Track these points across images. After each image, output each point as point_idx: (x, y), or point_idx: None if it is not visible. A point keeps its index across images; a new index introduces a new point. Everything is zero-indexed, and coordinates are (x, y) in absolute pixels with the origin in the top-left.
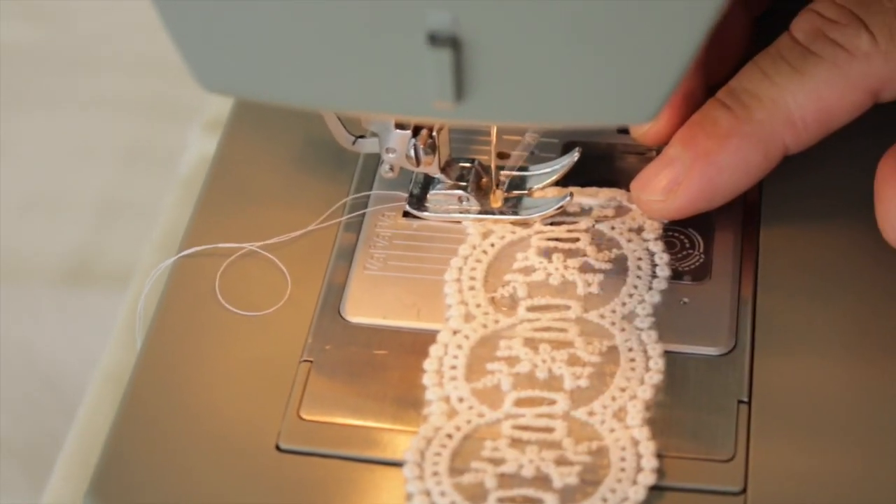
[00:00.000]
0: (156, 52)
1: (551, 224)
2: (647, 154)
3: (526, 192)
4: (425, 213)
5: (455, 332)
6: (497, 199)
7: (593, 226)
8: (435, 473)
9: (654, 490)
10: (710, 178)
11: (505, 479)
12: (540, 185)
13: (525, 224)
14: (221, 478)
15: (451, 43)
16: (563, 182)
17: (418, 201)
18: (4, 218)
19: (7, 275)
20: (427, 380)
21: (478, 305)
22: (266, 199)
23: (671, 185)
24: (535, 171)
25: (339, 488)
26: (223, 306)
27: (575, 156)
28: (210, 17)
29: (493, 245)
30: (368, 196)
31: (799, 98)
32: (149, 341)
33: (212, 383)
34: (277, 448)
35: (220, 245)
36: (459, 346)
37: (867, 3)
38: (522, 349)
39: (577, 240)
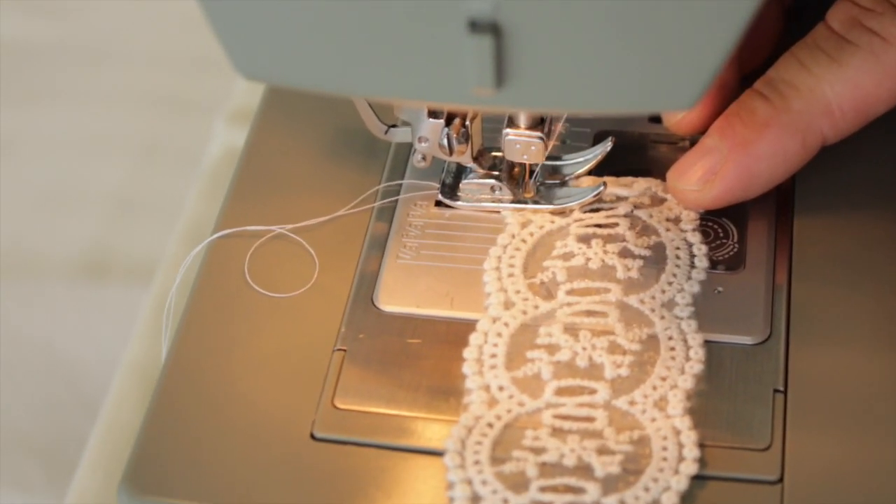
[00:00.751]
0: (173, 47)
1: (590, 211)
2: (678, 143)
3: (558, 181)
4: (458, 203)
5: (495, 321)
6: (529, 189)
7: (632, 211)
8: (476, 462)
9: (694, 479)
10: (748, 168)
11: (546, 469)
12: (573, 175)
13: (561, 213)
14: (256, 466)
15: (491, 30)
16: (596, 172)
17: (451, 190)
18: (24, 214)
19: (26, 270)
20: (467, 368)
21: (517, 292)
22: (297, 187)
23: (708, 175)
24: (568, 160)
25: (373, 477)
26: (255, 294)
27: (608, 145)
28: (249, 4)
29: (532, 234)
30: (400, 185)
31: (836, 87)
32: (181, 330)
33: (245, 372)
34: (312, 437)
35: (249, 228)
36: (499, 335)
37: None
38: (562, 336)
39: (616, 225)
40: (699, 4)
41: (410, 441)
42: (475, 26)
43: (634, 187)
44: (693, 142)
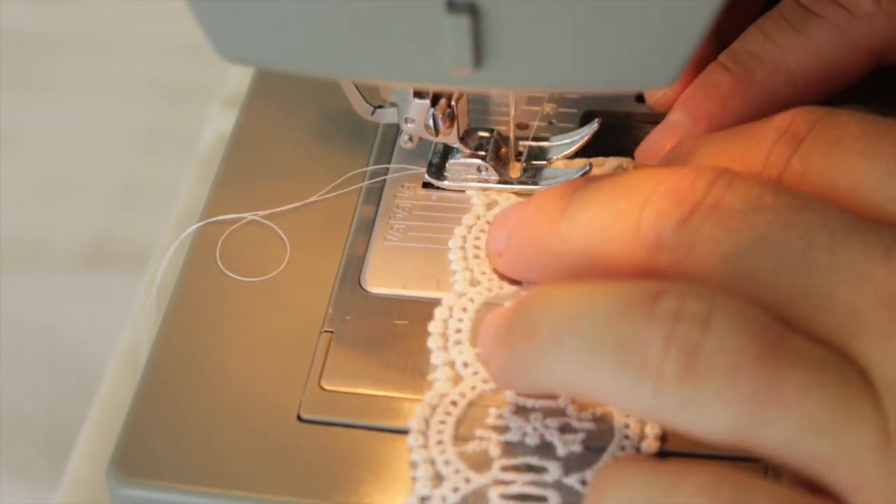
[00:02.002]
0: (171, 35)
1: None
2: None
3: (545, 162)
4: (444, 183)
5: (460, 296)
6: (516, 170)
7: None
8: (439, 442)
9: (658, 456)
10: None
11: (509, 447)
12: (559, 156)
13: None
14: (243, 449)
15: (469, 9)
16: (583, 153)
17: (437, 170)
18: (23, 202)
19: (27, 258)
20: (432, 343)
21: (483, 273)
22: (285, 171)
23: (675, 150)
24: (555, 141)
25: (361, 458)
26: (241, 278)
27: (594, 126)
28: None
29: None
30: (387, 168)
31: (800, 58)
32: (169, 315)
33: (232, 355)
34: (299, 418)
35: (227, 216)
36: (464, 310)
37: None
38: None
39: None
40: None
41: (397, 422)
42: (452, 6)
43: (606, 165)
44: None
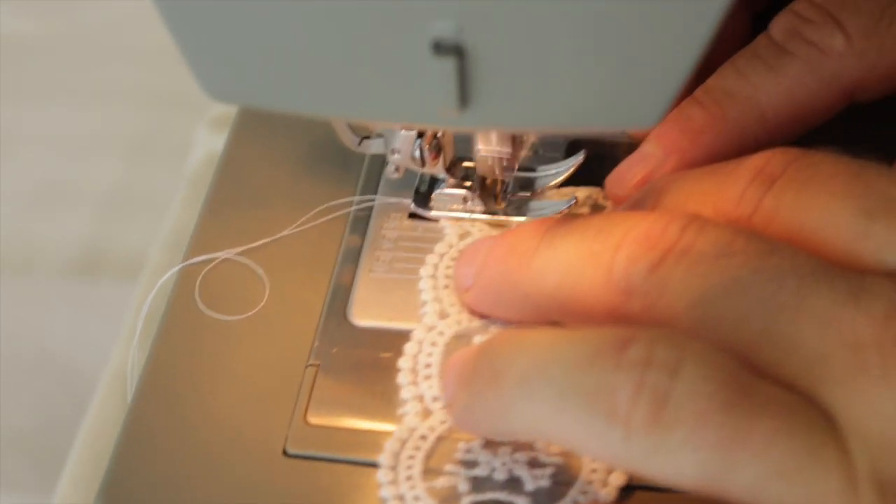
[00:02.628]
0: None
1: None
2: None
3: (529, 193)
4: (431, 213)
5: (430, 329)
6: (501, 201)
7: None
8: (409, 478)
9: (626, 490)
10: None
11: (477, 482)
12: (545, 187)
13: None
14: (230, 484)
15: (455, 51)
16: (569, 183)
17: (424, 200)
18: (14, 210)
19: (17, 267)
20: (402, 378)
21: (452, 304)
22: (272, 202)
23: (645, 181)
24: (541, 172)
25: (346, 493)
26: (227, 311)
27: (580, 157)
28: (215, 26)
29: None
30: (373, 199)
31: (772, 96)
32: (154, 348)
33: (218, 389)
34: (285, 453)
35: (207, 256)
36: (434, 343)
37: (844, 3)
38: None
39: None
40: (660, 25)
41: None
42: (439, 48)
43: (578, 193)
44: None
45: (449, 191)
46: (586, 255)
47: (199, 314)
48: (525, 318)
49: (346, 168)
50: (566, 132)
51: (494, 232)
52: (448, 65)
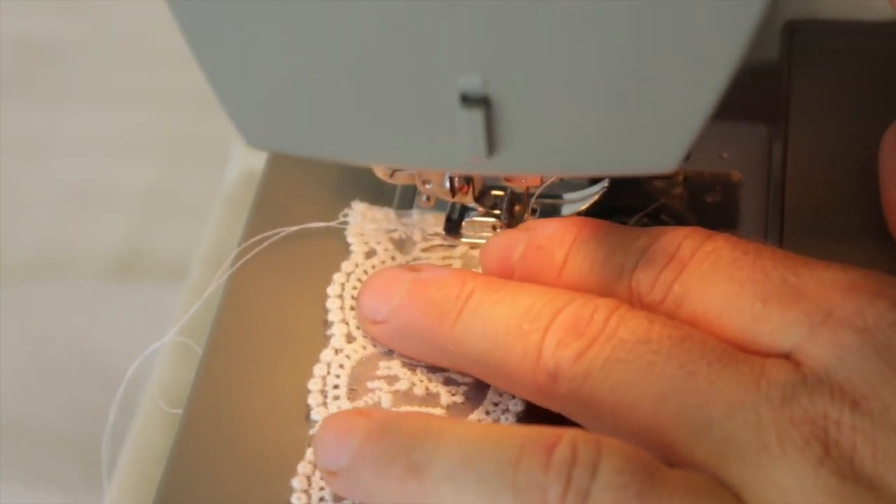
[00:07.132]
0: None
1: (427, 249)
2: (674, 178)
3: None
4: (462, 240)
5: (337, 352)
6: None
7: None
8: (321, 500)
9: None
10: None
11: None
12: (572, 213)
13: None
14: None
15: (482, 102)
16: (594, 210)
17: (455, 227)
18: (53, 213)
19: (58, 270)
20: (311, 400)
21: (358, 328)
22: (306, 232)
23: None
24: (567, 199)
25: None
26: (274, 331)
27: (605, 183)
28: (254, 80)
29: (374, 267)
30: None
31: None
32: (200, 373)
33: (265, 411)
34: None
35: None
36: (342, 366)
37: None
38: (401, 369)
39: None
40: (678, 76)
41: None
42: (466, 99)
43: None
44: (686, 175)
45: (479, 219)
46: (515, 332)
47: (244, 334)
48: (439, 365)
49: (380, 197)
50: (588, 175)
51: (398, 254)
52: (476, 115)
